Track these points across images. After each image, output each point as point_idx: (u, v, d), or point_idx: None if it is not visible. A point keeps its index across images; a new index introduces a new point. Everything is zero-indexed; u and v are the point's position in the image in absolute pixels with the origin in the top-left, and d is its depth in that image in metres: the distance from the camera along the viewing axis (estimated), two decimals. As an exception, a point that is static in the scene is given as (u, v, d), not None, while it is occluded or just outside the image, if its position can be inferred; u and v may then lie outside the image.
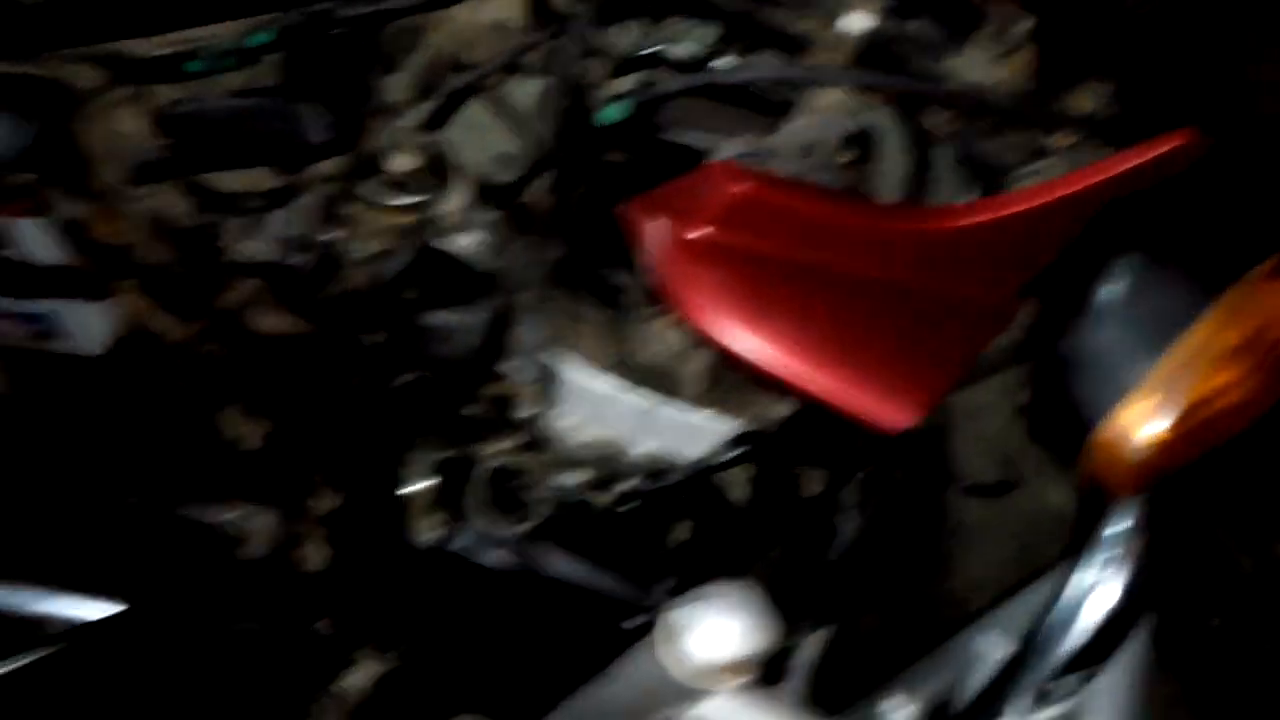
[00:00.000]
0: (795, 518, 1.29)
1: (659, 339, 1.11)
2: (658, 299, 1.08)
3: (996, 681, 0.84)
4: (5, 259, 1.09)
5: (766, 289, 0.90)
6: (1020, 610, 0.98)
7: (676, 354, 1.12)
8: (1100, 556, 0.76)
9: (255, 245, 1.08)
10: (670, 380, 1.13)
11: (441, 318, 1.05)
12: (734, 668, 0.66)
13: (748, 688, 0.70)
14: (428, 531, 1.21)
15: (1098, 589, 0.76)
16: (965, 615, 1.56)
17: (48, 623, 1.32)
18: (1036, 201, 0.90)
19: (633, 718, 0.77)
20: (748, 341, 0.90)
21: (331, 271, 1.10)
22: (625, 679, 0.75)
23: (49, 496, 1.29)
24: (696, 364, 1.13)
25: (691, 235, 0.89)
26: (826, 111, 0.92)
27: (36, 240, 1.07)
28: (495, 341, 1.09)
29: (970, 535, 1.51)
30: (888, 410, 0.90)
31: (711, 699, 0.73)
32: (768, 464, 1.27)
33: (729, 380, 1.12)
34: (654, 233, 0.90)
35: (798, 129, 0.93)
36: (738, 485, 1.29)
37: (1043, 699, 0.80)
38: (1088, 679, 0.79)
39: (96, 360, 1.20)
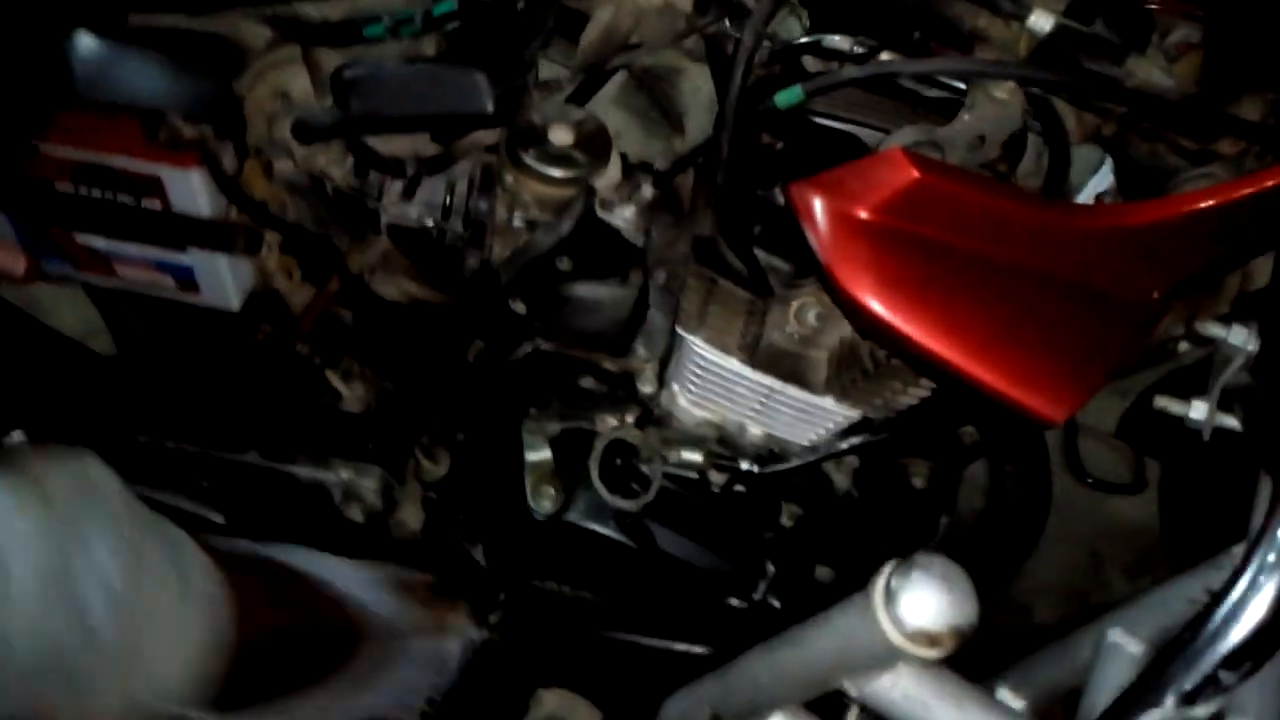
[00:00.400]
0: (899, 509, 1.31)
1: (790, 324, 1.13)
2: (796, 284, 1.11)
3: (1142, 678, 0.86)
4: (160, 210, 1.11)
5: (933, 273, 0.92)
6: (1150, 608, 1.00)
7: (805, 340, 1.14)
8: (1268, 554, 0.77)
9: (407, 209, 1.10)
10: (796, 366, 1.15)
11: (592, 289, 1.07)
12: (946, 637, 0.68)
13: (937, 661, 0.72)
14: (543, 500, 1.23)
15: (1264, 585, 0.77)
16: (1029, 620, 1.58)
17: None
18: (1199, 205, 0.93)
19: (827, 672, 0.78)
20: (911, 323, 0.92)
21: (479, 239, 1.12)
22: (829, 634, 0.77)
23: (171, 446, 1.32)
24: (824, 351, 1.15)
25: (863, 216, 0.92)
26: (995, 108, 0.95)
27: (195, 192, 1.09)
28: (639, 315, 1.11)
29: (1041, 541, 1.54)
30: (1044, 400, 0.92)
31: (904, 667, 0.75)
32: (879, 454, 1.30)
33: (853, 370, 1.14)
34: (824, 212, 0.93)
35: (969, 123, 0.95)
36: (844, 474, 1.32)
37: (1193, 698, 0.81)
38: (1243, 679, 0.80)
39: (230, 315, 1.22)
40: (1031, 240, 0.93)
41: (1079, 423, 1.27)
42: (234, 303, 1.20)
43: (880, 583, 0.70)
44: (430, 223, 1.11)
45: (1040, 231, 0.93)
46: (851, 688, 0.78)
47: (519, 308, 1.11)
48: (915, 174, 0.90)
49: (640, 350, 1.25)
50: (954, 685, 0.77)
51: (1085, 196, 1.18)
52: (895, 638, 0.68)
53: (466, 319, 1.29)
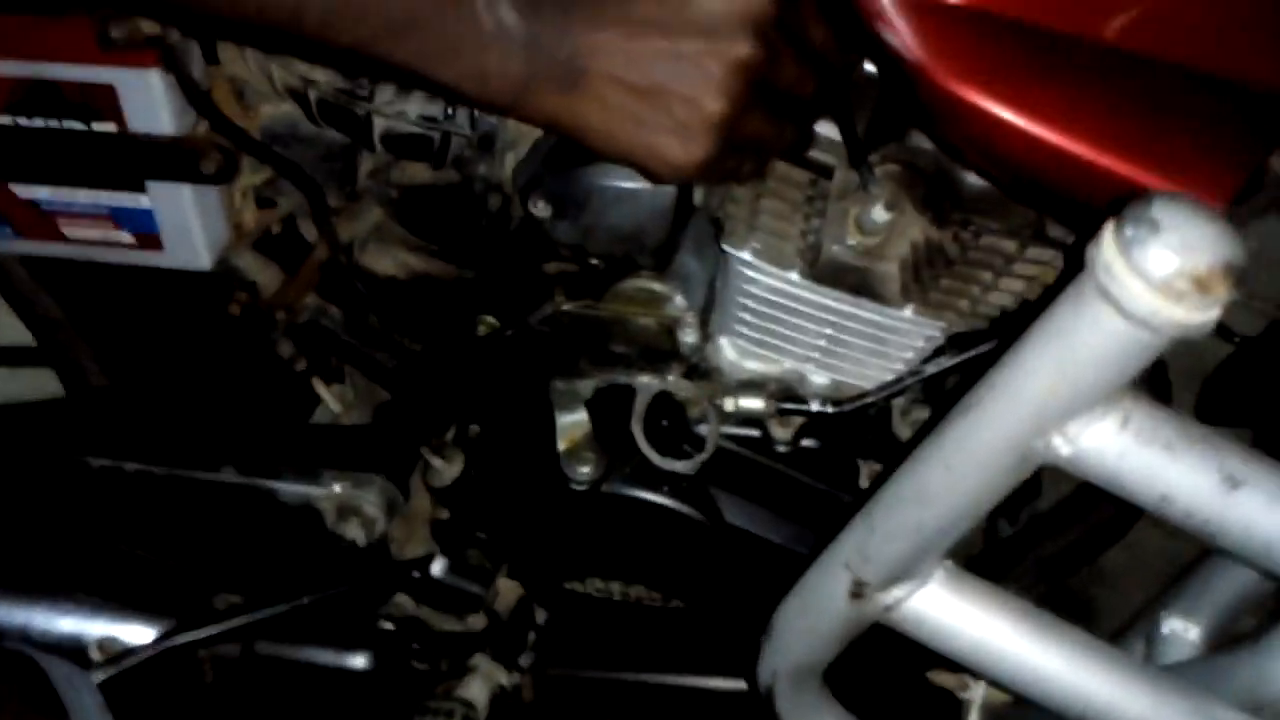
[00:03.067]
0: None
1: (851, 234, 0.97)
2: (861, 161, 0.95)
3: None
4: (116, 134, 0.95)
5: (1038, 59, 0.78)
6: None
7: (871, 251, 0.98)
8: None
9: (404, 108, 0.95)
10: (865, 278, 0.99)
11: (629, 174, 0.90)
12: (1218, 277, 0.48)
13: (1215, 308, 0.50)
14: (581, 467, 1.03)
15: None
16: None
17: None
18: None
19: (1031, 422, 0.57)
20: (1028, 114, 0.76)
21: (490, 143, 0.97)
22: (1035, 352, 0.55)
23: (123, 460, 1.11)
24: (893, 261, 0.99)
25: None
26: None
27: (155, 102, 0.93)
28: (684, 208, 0.95)
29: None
30: (1197, 187, 0.76)
31: (1133, 405, 0.55)
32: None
33: (935, 265, 0.97)
34: (903, 6, 0.78)
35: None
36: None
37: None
38: None
39: (200, 279, 1.05)
40: (1141, 17, 0.79)
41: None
42: (204, 258, 1.03)
43: (1107, 236, 0.51)
44: (432, 124, 0.96)
45: (1149, 8, 0.79)
46: (1062, 445, 0.57)
47: (541, 210, 0.94)
48: (1006, -60, 0.77)
49: (678, 299, 1.08)
50: (1195, 428, 0.57)
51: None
52: (1145, 297, 0.48)
53: (476, 286, 1.13)
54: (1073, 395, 0.55)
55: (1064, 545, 1.09)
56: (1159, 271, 0.49)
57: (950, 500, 0.65)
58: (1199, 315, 0.49)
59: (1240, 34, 0.80)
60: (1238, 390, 1.28)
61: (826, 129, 0.94)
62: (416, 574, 1.13)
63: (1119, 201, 0.53)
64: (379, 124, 0.96)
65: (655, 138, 0.81)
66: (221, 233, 1.03)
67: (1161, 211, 0.49)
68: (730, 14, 0.78)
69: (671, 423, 1.05)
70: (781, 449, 1.07)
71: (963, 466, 0.62)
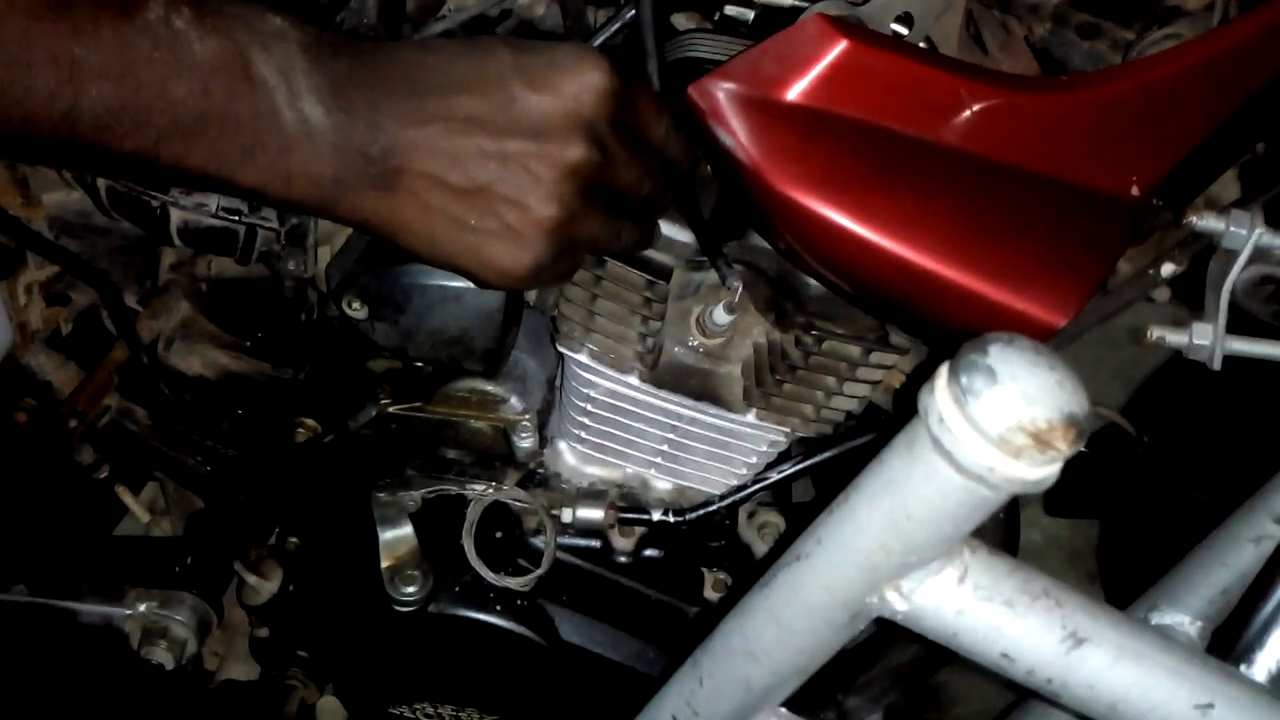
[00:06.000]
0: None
1: (692, 335, 0.92)
2: (716, 254, 0.90)
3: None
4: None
5: (880, 163, 0.74)
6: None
7: (712, 353, 0.93)
8: None
9: (204, 200, 0.87)
10: (706, 382, 0.94)
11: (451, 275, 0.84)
12: (1060, 430, 0.43)
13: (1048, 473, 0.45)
14: (405, 586, 0.95)
15: None
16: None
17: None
18: (1159, 72, 0.78)
19: (862, 580, 0.51)
20: (869, 222, 0.72)
21: (300, 236, 0.89)
22: (861, 507, 0.50)
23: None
24: (735, 364, 0.94)
25: (789, 98, 0.73)
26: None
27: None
28: (514, 307, 0.89)
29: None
30: (1039, 301, 0.73)
31: (971, 555, 0.50)
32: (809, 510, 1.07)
33: (777, 369, 0.92)
34: (740, 104, 0.74)
35: (891, -2, 0.80)
36: (768, 541, 1.08)
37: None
38: None
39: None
40: (985, 121, 0.76)
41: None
42: (-18, 363, 0.93)
43: (940, 383, 0.46)
44: (236, 218, 0.88)
45: (993, 111, 0.76)
46: (898, 601, 0.52)
47: (356, 311, 0.87)
48: (844, 40, 0.73)
49: (513, 401, 1.02)
50: (1038, 581, 0.52)
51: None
52: (981, 451, 0.43)
53: (293, 386, 1.05)
54: (906, 551, 0.50)
55: (916, 653, 1.05)
56: (995, 426, 0.44)
57: (779, 656, 0.59)
58: (1039, 471, 0.45)
59: (1085, 140, 0.78)
60: (1084, 486, 1.27)
61: (665, 227, 0.89)
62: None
63: (954, 338, 0.49)
64: (176, 216, 0.88)
65: (481, 242, 0.75)
66: (3, 334, 0.93)
67: (998, 358, 0.45)
68: (560, 114, 0.72)
69: (506, 535, 0.98)
70: (623, 560, 1.01)
71: (792, 622, 0.57)
